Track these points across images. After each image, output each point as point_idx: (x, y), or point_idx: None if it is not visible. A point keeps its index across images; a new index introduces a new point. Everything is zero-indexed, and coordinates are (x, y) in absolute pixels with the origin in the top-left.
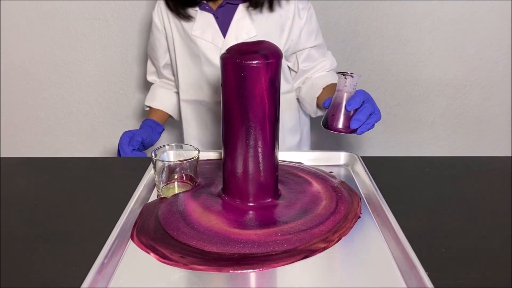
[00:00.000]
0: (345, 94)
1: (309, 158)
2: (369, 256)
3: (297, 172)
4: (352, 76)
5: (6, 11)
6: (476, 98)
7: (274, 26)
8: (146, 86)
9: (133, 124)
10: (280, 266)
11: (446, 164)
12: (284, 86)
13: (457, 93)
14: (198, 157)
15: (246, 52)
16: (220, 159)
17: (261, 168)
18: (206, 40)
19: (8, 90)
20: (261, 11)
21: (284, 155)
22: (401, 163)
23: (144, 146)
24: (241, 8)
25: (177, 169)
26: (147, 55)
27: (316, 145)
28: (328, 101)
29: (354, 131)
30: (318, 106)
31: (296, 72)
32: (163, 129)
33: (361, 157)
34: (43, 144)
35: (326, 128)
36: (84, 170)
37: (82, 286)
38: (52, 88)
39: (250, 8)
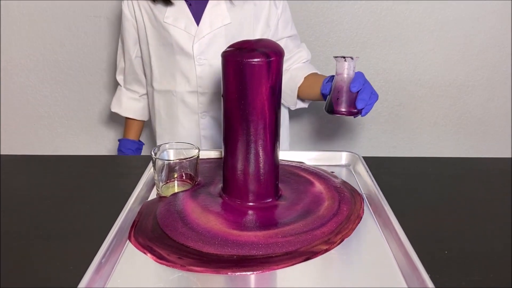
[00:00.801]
0: (346, 76)
1: (310, 158)
2: (371, 257)
3: (299, 172)
4: (352, 58)
5: (7, 8)
6: (479, 99)
7: (249, 14)
8: None
9: None
10: (280, 268)
11: (449, 164)
12: None
13: (459, 94)
14: (198, 156)
15: (247, 50)
16: (220, 158)
17: (261, 167)
18: (179, 27)
19: (8, 87)
20: None
21: (285, 155)
22: (403, 164)
23: None
24: None
25: (177, 167)
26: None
27: (324, 141)
28: (328, 87)
29: (358, 112)
30: (299, 97)
31: None
32: (143, 144)
33: (363, 157)
34: (43, 142)
35: (331, 113)
36: (83, 168)
37: (80, 284)
38: (53, 86)
39: None
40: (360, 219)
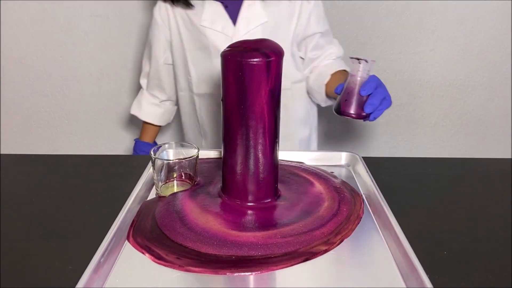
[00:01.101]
0: (359, 79)
1: (310, 158)
2: (370, 258)
3: (299, 172)
4: (366, 61)
5: (8, 7)
6: (479, 99)
7: (284, 11)
8: None
9: (133, 123)
10: (279, 268)
11: (449, 165)
12: (296, 75)
13: (460, 94)
14: (197, 156)
15: (247, 50)
16: (220, 158)
17: (260, 167)
18: (216, 30)
19: (9, 86)
20: None
21: (285, 155)
22: (403, 164)
23: None
24: None
25: (176, 167)
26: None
27: (324, 141)
28: (340, 87)
29: (367, 116)
30: (327, 94)
31: (303, 59)
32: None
33: (363, 157)
34: (43, 142)
35: (338, 114)
36: (82, 167)
37: (78, 284)
38: (53, 85)
39: None
40: (360, 220)
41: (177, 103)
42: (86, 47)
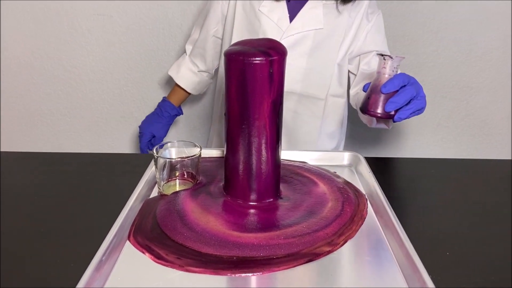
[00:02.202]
0: (386, 76)
1: (312, 158)
2: (372, 258)
3: (302, 172)
4: (391, 58)
5: (11, 6)
6: (483, 101)
7: (342, 24)
8: (150, 83)
9: (136, 121)
10: (282, 270)
11: (452, 166)
12: (336, 89)
13: (463, 95)
14: (199, 155)
15: (249, 49)
16: (222, 157)
17: (262, 166)
18: (272, 19)
19: (11, 85)
20: (336, 6)
21: (287, 154)
22: (406, 165)
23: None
24: None
25: (178, 166)
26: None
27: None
28: (367, 85)
29: (391, 116)
30: None
31: (355, 75)
32: (181, 114)
33: (365, 157)
34: (45, 139)
35: (362, 112)
36: (84, 166)
37: (79, 284)
38: (56, 84)
39: (326, 1)
40: (364, 220)
41: (214, 77)
42: (89, 46)
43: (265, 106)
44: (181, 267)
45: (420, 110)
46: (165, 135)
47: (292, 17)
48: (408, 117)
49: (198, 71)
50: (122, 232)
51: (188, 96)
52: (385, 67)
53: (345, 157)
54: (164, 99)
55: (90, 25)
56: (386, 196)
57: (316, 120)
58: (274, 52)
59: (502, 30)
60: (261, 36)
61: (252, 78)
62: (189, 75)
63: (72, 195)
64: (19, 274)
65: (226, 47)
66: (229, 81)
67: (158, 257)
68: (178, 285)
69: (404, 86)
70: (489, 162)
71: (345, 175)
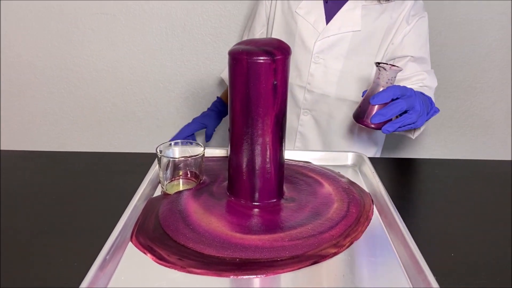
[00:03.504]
0: (378, 87)
1: (316, 158)
2: (376, 259)
3: (307, 172)
4: (385, 69)
5: (14, 5)
6: (487, 101)
7: (382, 26)
8: (153, 82)
9: (139, 120)
10: (286, 272)
11: (455, 166)
12: None
13: (466, 95)
14: (203, 154)
15: (254, 49)
16: (226, 156)
17: (266, 166)
18: (308, 21)
19: (15, 84)
20: (379, 2)
21: (291, 154)
22: (409, 165)
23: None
24: None
25: (182, 165)
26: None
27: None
28: (365, 93)
29: (378, 127)
30: None
31: None
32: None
33: (369, 158)
34: (48, 138)
35: (355, 120)
36: (88, 165)
37: (82, 284)
38: (59, 83)
39: (365, 1)
40: (370, 221)
41: None
42: (92, 45)
43: (269, 105)
44: (183, 268)
45: (410, 125)
46: (215, 125)
47: (329, 18)
48: (396, 131)
49: None
50: (126, 231)
51: None
52: (379, 78)
53: (349, 157)
54: (217, 97)
55: (93, 24)
56: (390, 196)
57: (352, 124)
58: (277, 52)
59: (505, 30)
60: (296, 39)
61: (256, 75)
62: None
63: (75, 194)
64: (22, 274)
65: None
66: (233, 80)
67: (160, 258)
68: (181, 285)
69: (397, 98)
70: (493, 163)
71: (349, 175)
